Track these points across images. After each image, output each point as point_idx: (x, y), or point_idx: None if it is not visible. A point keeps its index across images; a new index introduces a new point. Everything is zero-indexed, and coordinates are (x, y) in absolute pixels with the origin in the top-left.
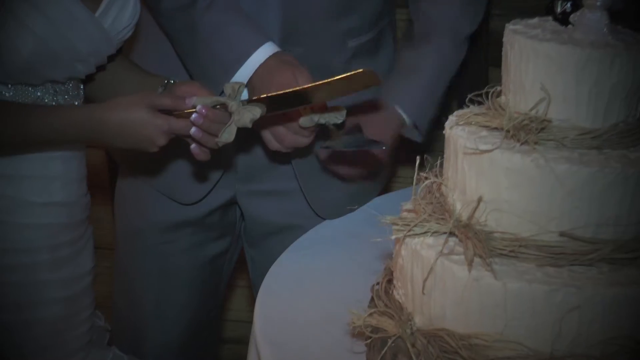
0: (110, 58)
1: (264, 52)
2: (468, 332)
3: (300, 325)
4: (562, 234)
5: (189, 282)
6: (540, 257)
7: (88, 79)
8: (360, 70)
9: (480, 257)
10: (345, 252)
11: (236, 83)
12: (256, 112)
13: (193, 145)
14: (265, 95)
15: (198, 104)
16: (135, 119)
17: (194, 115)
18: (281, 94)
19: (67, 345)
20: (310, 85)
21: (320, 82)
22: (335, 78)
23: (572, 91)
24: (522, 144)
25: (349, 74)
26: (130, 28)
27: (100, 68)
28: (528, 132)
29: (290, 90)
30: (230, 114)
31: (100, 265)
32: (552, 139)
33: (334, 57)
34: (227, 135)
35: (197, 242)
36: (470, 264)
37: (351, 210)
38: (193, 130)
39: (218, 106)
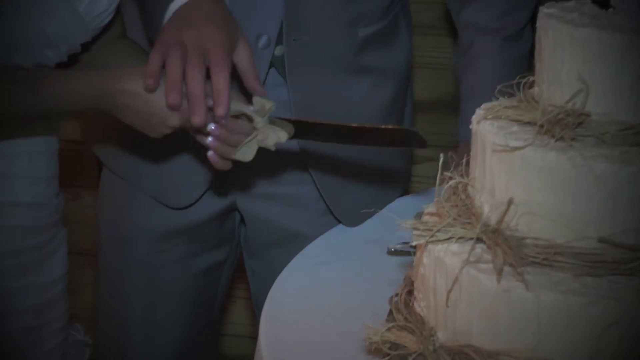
0: (85, 47)
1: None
2: (497, 348)
3: (311, 341)
4: (601, 240)
5: (181, 295)
6: (577, 265)
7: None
8: (410, 128)
9: (511, 265)
10: (361, 260)
11: (267, 100)
12: (282, 135)
13: (210, 152)
14: (296, 119)
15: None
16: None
17: (211, 126)
18: (314, 123)
19: None
20: (350, 124)
21: (362, 125)
22: (381, 126)
23: (613, 82)
24: (557, 140)
25: (394, 127)
26: (108, 13)
27: (73, 57)
28: (564, 127)
29: (325, 122)
30: (254, 129)
31: (88, 273)
32: (591, 135)
33: (342, 47)
34: (246, 149)
35: (190, 252)
36: (499, 273)
37: (370, 214)
38: (210, 140)
39: (244, 115)
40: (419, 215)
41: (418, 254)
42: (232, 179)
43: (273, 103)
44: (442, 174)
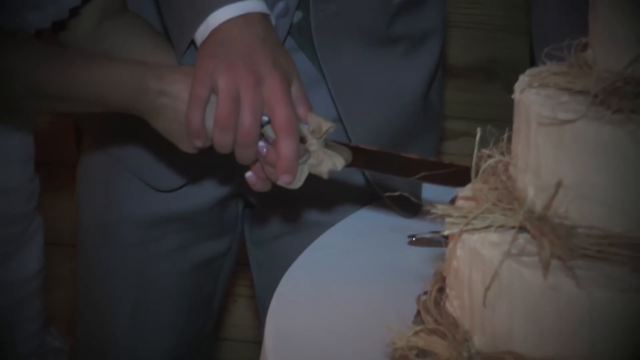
0: (74, 11)
1: (233, 10)
2: (542, 355)
3: (325, 347)
4: None
5: (175, 292)
6: (635, 259)
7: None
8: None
9: (559, 258)
10: (384, 251)
11: (325, 121)
12: (339, 162)
13: (249, 174)
14: (355, 145)
15: (269, 131)
16: None
17: (260, 143)
18: (376, 152)
19: None
20: (417, 157)
21: (425, 159)
22: (452, 163)
23: None
24: (614, 112)
25: (461, 165)
26: None
27: (59, 25)
28: (622, 97)
29: (389, 152)
30: (306, 152)
31: (64, 266)
32: None
33: (374, 16)
34: (297, 175)
35: (186, 241)
36: (546, 267)
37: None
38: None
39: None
40: (452, 200)
41: (451, 245)
42: (235, 164)
43: (332, 124)
44: (479, 151)
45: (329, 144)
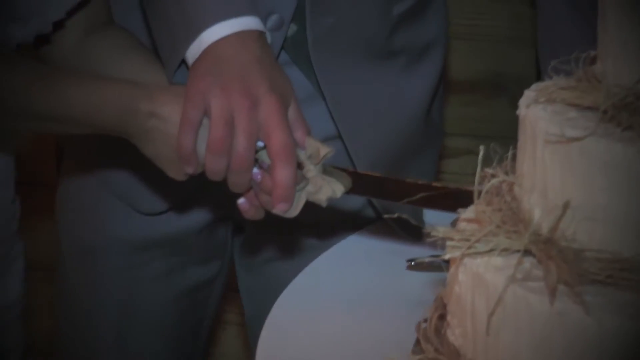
0: (57, 26)
1: (227, 28)
2: None
3: None
4: None
5: (161, 320)
6: None
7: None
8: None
9: (567, 284)
10: (381, 277)
11: (324, 145)
12: (338, 189)
13: (242, 200)
14: (354, 171)
15: (264, 156)
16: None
17: (255, 170)
18: (378, 177)
19: None
20: (420, 182)
21: (428, 183)
22: (459, 188)
23: None
24: (624, 129)
25: (460, 187)
26: None
27: (42, 39)
28: (632, 113)
29: (393, 177)
30: (303, 178)
31: (44, 292)
32: None
33: (374, 29)
34: (294, 203)
35: (172, 267)
36: (552, 293)
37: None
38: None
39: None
40: (454, 223)
41: (452, 269)
42: (226, 188)
43: (330, 149)
44: (482, 170)
45: (328, 169)
